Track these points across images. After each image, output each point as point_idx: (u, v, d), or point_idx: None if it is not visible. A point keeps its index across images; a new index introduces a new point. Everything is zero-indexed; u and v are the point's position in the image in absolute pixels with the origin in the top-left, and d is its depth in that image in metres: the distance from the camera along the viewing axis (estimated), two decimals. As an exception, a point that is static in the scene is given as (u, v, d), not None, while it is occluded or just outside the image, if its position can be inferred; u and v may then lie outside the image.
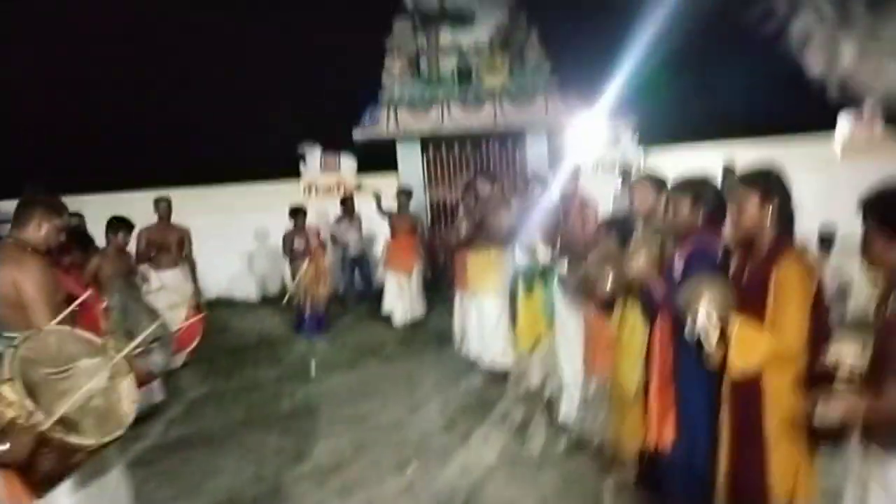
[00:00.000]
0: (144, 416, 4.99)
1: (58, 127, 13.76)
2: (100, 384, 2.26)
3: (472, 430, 4.61)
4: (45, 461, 2.02)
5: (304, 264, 7.66)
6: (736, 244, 2.64)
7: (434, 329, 7.66)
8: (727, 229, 2.76)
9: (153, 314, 3.33)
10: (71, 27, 13.95)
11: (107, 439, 2.14)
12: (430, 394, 5.53)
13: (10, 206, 3.05)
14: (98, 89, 14.06)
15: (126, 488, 2.98)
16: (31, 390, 2.03)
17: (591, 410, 3.94)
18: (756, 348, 2.31)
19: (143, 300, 3.56)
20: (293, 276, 7.87)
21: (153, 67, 14.89)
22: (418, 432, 4.68)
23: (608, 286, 3.30)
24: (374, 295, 8.82)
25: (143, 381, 3.93)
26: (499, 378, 5.65)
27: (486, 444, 4.38)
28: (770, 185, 2.44)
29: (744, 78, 12.62)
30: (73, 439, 2.03)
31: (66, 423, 2.06)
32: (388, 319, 8.10)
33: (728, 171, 6.97)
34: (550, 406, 4.78)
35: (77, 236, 4.85)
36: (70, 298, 2.85)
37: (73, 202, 4.32)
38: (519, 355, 5.32)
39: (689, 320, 2.45)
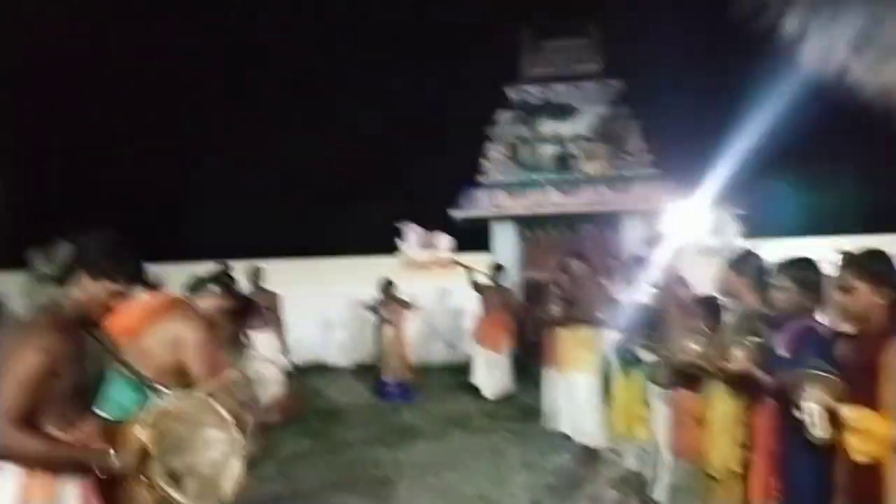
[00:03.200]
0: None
1: (169, 198, 15.05)
2: (215, 456, 2.36)
3: (560, 510, 4.49)
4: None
5: (387, 332, 8.05)
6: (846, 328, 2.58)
7: (522, 404, 7.60)
8: (833, 313, 2.70)
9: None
10: (179, 93, 15.49)
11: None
12: (516, 468, 5.43)
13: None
14: (213, 168, 15.33)
15: None
16: (158, 441, 2.16)
17: (681, 495, 3.76)
18: (876, 436, 2.22)
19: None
20: (378, 344, 8.29)
21: (265, 152, 16.14)
22: (503, 507, 4.60)
23: (692, 361, 3.27)
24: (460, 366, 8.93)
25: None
26: (589, 457, 5.51)
27: (575, 525, 4.24)
28: (880, 273, 2.40)
29: (855, 173, 12.18)
30: (174, 493, 2.11)
31: (173, 476, 2.16)
32: (474, 390, 8.15)
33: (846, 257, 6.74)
34: (644, 488, 4.59)
35: None
36: None
37: (187, 268, 4.92)
38: (613, 436, 5.18)
39: (798, 406, 2.39)
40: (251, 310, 5.65)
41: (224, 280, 3.21)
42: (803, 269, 2.88)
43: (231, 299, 3.20)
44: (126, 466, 2.10)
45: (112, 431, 2.22)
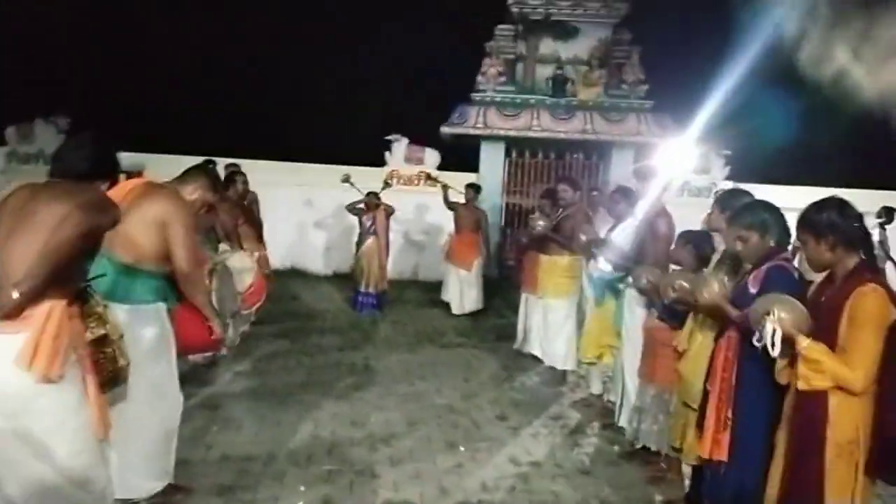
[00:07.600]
0: (209, 365, 5.40)
1: (179, 97, 14.54)
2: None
3: (524, 426, 4.67)
4: (104, 369, 2.51)
5: (369, 241, 8.07)
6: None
7: (494, 324, 7.82)
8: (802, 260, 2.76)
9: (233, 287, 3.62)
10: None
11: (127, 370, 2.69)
12: (484, 383, 5.62)
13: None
14: (220, 73, 14.84)
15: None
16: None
17: (645, 420, 3.93)
18: (823, 370, 2.32)
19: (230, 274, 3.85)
20: (356, 252, 8.31)
21: (261, 57, 15.54)
22: (469, 418, 4.76)
23: (679, 298, 3.33)
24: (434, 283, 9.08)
25: (214, 349, 4.16)
26: (556, 380, 5.71)
27: (537, 441, 4.42)
28: (818, 223, 2.43)
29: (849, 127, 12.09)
30: (121, 360, 2.59)
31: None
32: (447, 307, 8.34)
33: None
34: (606, 413, 4.80)
35: None
36: None
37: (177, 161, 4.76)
38: (582, 361, 5.34)
39: (757, 331, 2.46)
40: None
41: (212, 173, 3.19)
42: (756, 212, 2.88)
43: (215, 192, 3.21)
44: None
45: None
